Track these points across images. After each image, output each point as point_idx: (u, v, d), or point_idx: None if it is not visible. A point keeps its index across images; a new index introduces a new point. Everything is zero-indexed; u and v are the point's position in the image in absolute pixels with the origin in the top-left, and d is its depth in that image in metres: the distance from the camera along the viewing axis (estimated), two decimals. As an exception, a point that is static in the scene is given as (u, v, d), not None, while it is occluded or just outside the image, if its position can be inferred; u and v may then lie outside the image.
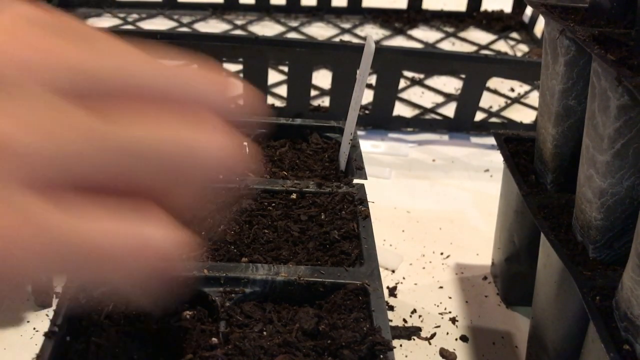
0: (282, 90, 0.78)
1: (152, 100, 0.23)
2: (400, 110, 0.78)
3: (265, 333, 0.33)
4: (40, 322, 0.46)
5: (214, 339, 0.32)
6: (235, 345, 0.31)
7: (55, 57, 0.22)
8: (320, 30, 1.00)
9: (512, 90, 0.86)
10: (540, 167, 0.46)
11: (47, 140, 0.20)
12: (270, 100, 0.78)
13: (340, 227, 0.40)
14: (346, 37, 0.98)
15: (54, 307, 0.34)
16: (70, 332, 0.31)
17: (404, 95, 0.82)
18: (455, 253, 0.57)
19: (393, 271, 0.54)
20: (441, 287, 0.53)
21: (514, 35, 1.03)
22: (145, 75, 0.23)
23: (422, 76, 0.87)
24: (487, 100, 0.81)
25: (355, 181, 0.44)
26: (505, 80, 0.85)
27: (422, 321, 0.50)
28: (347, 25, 1.02)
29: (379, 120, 0.75)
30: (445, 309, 0.51)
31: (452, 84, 0.86)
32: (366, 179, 0.44)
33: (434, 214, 0.62)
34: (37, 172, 0.20)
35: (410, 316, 0.50)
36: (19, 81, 0.21)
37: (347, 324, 0.33)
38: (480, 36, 1.02)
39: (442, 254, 0.57)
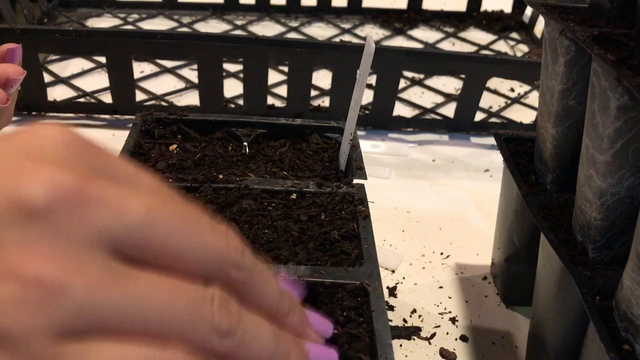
0: (282, 90, 0.78)
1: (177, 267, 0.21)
2: (400, 110, 0.78)
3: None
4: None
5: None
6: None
7: (107, 207, 0.19)
8: (320, 30, 1.00)
9: (512, 90, 0.86)
10: (540, 167, 0.46)
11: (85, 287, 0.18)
12: (270, 100, 0.78)
13: (340, 227, 0.40)
14: (346, 37, 0.98)
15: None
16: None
17: (404, 95, 0.82)
18: (455, 253, 0.57)
19: (393, 271, 0.54)
20: (441, 287, 0.53)
21: (514, 35, 1.03)
22: (185, 248, 0.21)
23: (422, 76, 0.87)
24: (487, 100, 0.81)
25: (355, 181, 0.44)
26: (505, 80, 0.85)
27: (422, 321, 0.50)
28: (347, 25, 1.02)
29: (379, 120, 0.75)
30: (445, 309, 0.51)
31: (452, 84, 0.86)
32: (366, 179, 0.44)
33: (434, 214, 0.62)
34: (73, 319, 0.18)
35: (410, 316, 0.50)
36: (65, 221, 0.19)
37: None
38: (480, 36, 1.02)
39: (442, 254, 0.57)
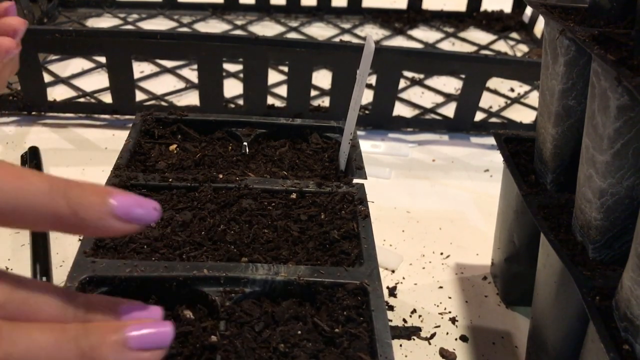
0: (282, 90, 0.78)
1: None
2: (400, 110, 0.78)
3: (265, 332, 0.33)
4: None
5: (213, 337, 0.32)
6: (233, 344, 0.31)
7: None
8: (320, 30, 1.00)
9: (512, 90, 0.86)
10: (540, 167, 0.46)
11: None
12: (270, 100, 0.78)
13: (340, 227, 0.40)
14: (346, 37, 0.98)
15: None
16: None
17: (404, 95, 0.82)
18: (455, 253, 0.57)
19: (393, 271, 0.54)
20: (441, 287, 0.53)
21: (514, 35, 1.03)
22: None
23: (422, 76, 0.87)
24: (487, 100, 0.81)
25: (355, 181, 0.44)
26: (505, 80, 0.85)
27: (422, 321, 0.50)
28: (347, 25, 1.02)
29: (379, 120, 0.75)
30: (445, 309, 0.51)
31: (452, 84, 0.86)
32: (366, 178, 0.44)
33: (434, 214, 0.62)
34: None
35: (410, 316, 0.50)
36: None
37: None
38: (480, 36, 1.02)
39: (442, 254, 0.57)
